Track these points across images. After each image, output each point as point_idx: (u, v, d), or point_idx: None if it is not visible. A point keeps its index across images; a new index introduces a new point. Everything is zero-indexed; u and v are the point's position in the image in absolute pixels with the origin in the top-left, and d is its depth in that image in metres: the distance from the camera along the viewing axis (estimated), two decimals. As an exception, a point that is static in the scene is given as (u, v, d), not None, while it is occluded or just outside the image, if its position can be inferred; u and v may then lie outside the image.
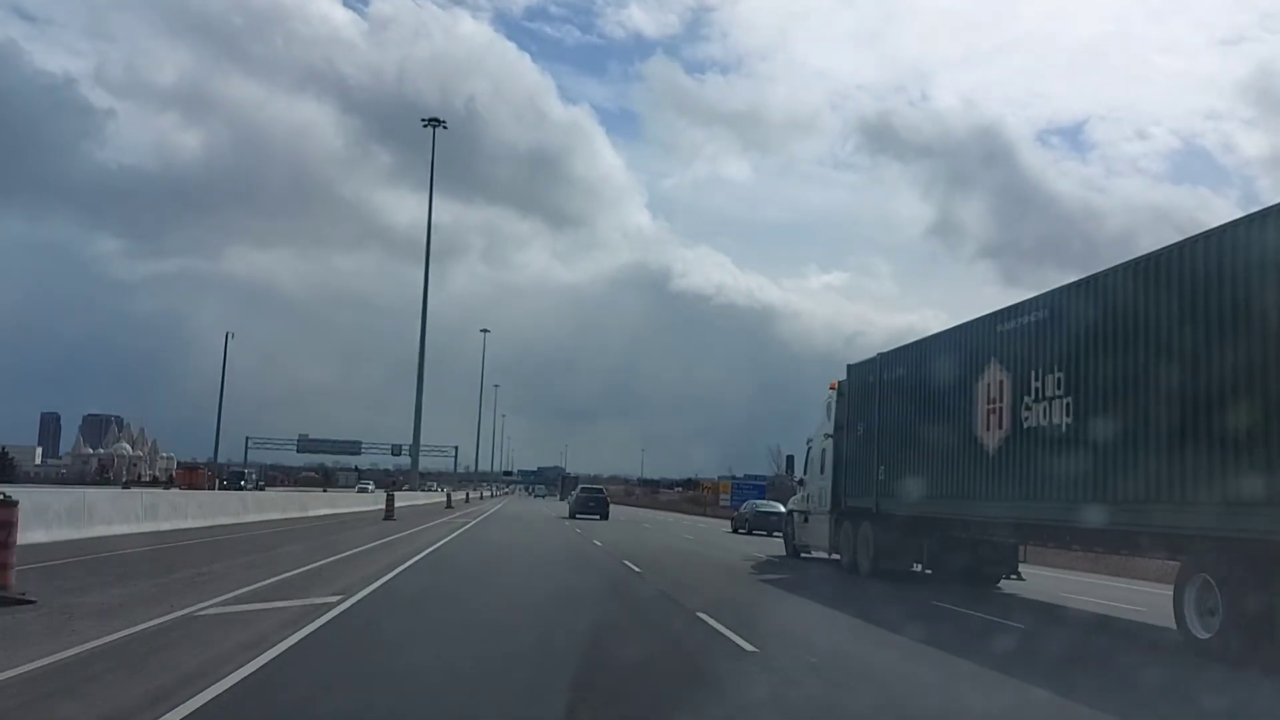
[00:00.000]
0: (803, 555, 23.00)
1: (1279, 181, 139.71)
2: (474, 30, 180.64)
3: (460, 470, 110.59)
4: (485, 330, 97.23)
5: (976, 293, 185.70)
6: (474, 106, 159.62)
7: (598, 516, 46.44)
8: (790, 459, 25.38)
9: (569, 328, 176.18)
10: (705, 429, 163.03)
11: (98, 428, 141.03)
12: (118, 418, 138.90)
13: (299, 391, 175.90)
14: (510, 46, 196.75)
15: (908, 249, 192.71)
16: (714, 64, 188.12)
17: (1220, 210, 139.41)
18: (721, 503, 70.12)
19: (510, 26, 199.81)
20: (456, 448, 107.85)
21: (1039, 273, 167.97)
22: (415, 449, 62.42)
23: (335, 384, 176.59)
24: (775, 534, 39.34)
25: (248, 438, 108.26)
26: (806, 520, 22.29)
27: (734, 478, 77.36)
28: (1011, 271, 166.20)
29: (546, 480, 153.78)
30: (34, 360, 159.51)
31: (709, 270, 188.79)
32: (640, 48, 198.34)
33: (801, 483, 23.02)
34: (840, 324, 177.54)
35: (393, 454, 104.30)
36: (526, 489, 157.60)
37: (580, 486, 58.39)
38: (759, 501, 46.45)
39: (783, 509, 44.18)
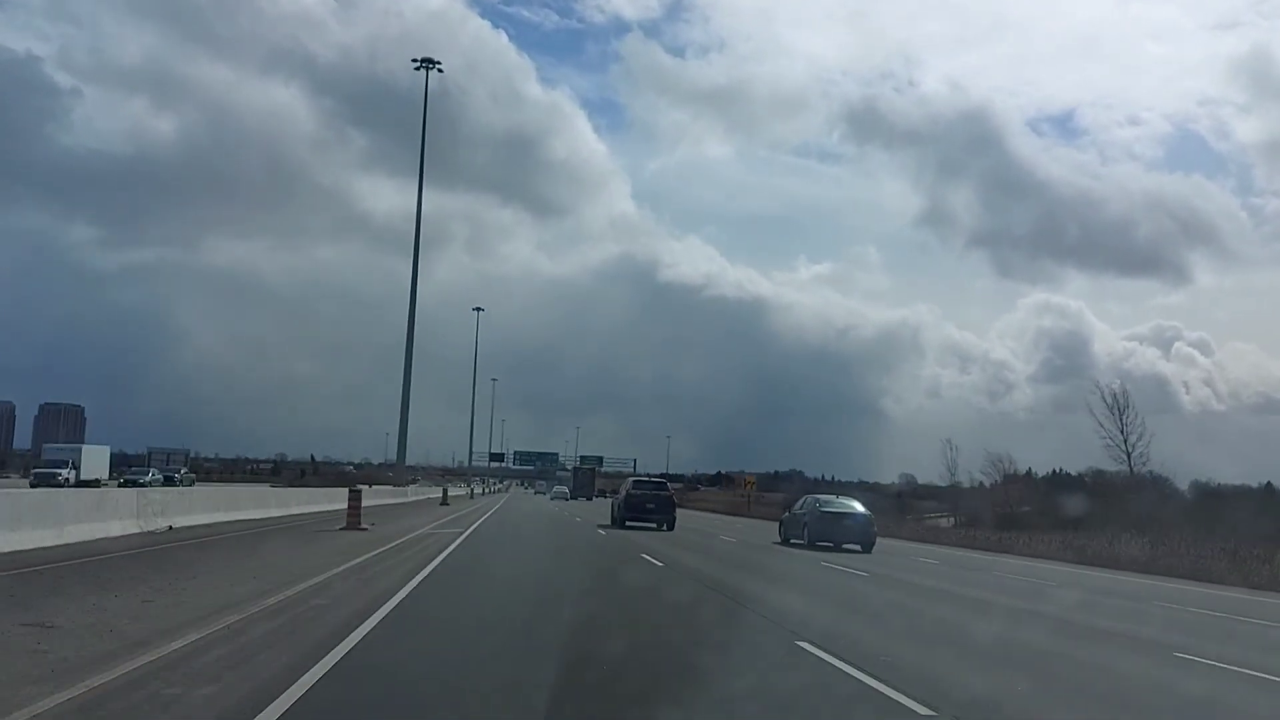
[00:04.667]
0: None
1: (1275, 169, 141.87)
2: (446, 6, 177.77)
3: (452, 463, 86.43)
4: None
5: (969, 285, 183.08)
6: (449, 87, 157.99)
7: (656, 525, 33.01)
8: None
9: (556, 317, 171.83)
10: (694, 422, 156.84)
11: (55, 418, 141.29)
12: (78, 407, 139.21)
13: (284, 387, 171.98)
14: (484, 24, 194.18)
15: (898, 239, 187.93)
16: (695, 47, 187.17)
17: (1217, 197, 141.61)
18: None
19: (484, 8, 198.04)
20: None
21: (1034, 264, 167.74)
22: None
23: (320, 377, 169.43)
24: (846, 547, 26.45)
25: None
26: None
27: None
28: (1005, 261, 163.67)
29: (548, 474, 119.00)
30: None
31: (697, 261, 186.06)
32: (619, 31, 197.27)
33: None
34: (831, 316, 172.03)
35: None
36: (523, 483, 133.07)
37: (632, 481, 39.09)
38: (822, 497, 30.97)
39: (863, 510, 28.36)
